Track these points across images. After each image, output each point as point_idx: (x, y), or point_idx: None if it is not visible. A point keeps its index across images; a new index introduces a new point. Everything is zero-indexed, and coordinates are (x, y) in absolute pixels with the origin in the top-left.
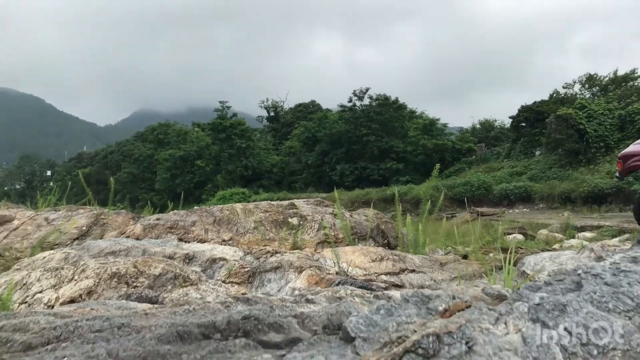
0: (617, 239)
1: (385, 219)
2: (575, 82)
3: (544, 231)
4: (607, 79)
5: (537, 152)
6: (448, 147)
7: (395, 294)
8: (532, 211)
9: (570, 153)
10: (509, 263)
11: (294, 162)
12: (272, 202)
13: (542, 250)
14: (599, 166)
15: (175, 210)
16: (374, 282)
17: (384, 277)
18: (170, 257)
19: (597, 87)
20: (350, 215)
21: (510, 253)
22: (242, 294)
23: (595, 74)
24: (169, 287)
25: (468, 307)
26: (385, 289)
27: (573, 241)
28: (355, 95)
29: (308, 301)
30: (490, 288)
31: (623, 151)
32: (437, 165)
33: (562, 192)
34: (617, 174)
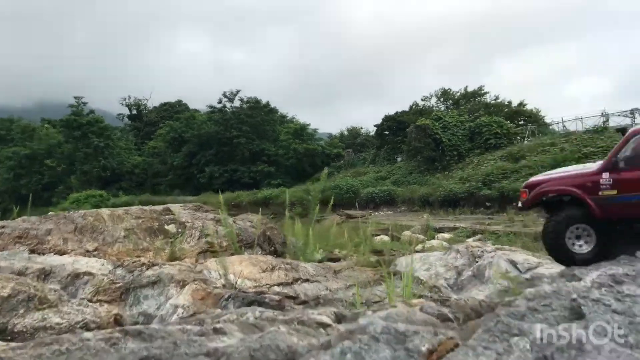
0: (471, 238)
1: (271, 225)
2: (432, 96)
3: (407, 232)
4: (458, 93)
5: (399, 159)
6: (318, 152)
7: (322, 317)
8: (395, 213)
9: (428, 160)
10: (410, 267)
11: (158, 163)
12: (145, 208)
13: (415, 252)
14: (453, 172)
15: (24, 217)
16: (266, 295)
17: (276, 289)
18: (21, 274)
19: (451, 101)
20: (234, 221)
21: (413, 251)
22: (116, 315)
23: (449, 88)
24: (22, 311)
25: (456, 345)
26: (279, 301)
27: (434, 241)
28: (225, 96)
29: (217, 331)
30: (430, 307)
31: (528, 180)
32: (326, 170)
33: (422, 196)
34: (520, 204)
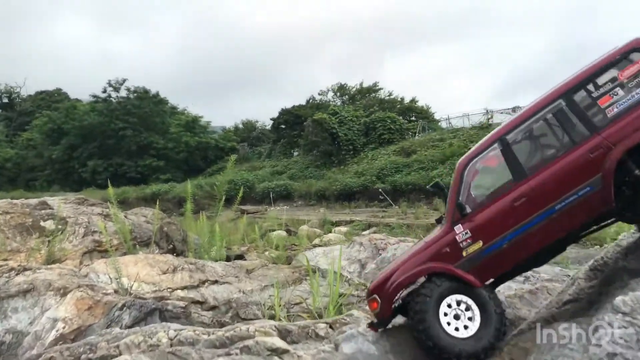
0: (367, 231)
1: (168, 220)
2: (329, 90)
3: (304, 227)
4: (354, 89)
5: (296, 153)
6: (211, 146)
7: (272, 341)
8: (292, 208)
9: (324, 154)
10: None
11: (34, 156)
12: (15, 201)
13: (315, 246)
14: (349, 167)
15: None
16: (169, 301)
17: (180, 293)
18: None
19: (347, 96)
20: (126, 216)
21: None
22: None
23: (345, 83)
24: None
25: None
26: (184, 308)
27: (331, 235)
28: (110, 86)
29: None
30: None
31: (371, 284)
32: (233, 157)
33: (318, 190)
34: (375, 322)
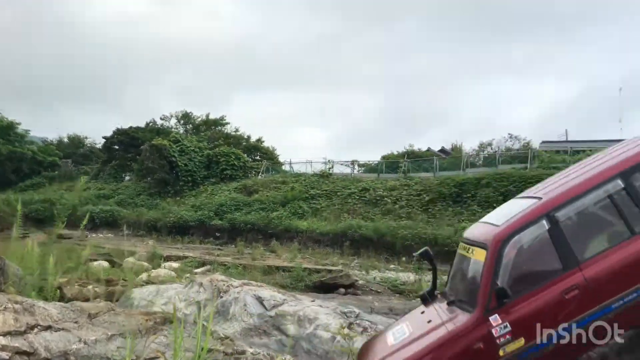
0: (200, 269)
1: None
2: (172, 116)
3: (130, 259)
4: (200, 119)
5: (127, 177)
6: (27, 157)
7: None
8: (117, 237)
9: (160, 182)
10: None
11: None
12: None
13: (147, 283)
14: (186, 199)
15: None
16: None
17: (1, 341)
18: None
19: (191, 125)
20: None
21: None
22: None
23: (190, 112)
24: None
25: None
26: None
27: (161, 271)
28: None
29: None
30: None
31: None
32: (83, 179)
33: (149, 220)
34: None
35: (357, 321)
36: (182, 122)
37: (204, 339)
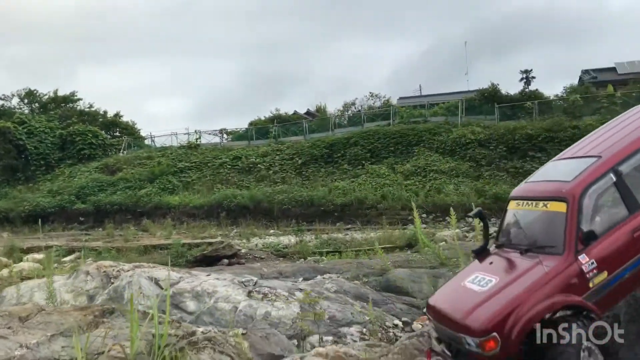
0: (69, 257)
1: None
2: (13, 95)
3: None
4: (47, 97)
5: None
6: None
7: None
8: None
9: (8, 169)
10: None
11: None
12: None
13: (23, 279)
14: (40, 185)
15: None
16: None
17: None
18: None
19: (38, 104)
20: None
21: None
22: None
23: (35, 90)
24: None
25: None
26: None
27: (24, 264)
28: None
29: None
30: None
31: (486, 317)
32: None
33: (0, 211)
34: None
35: (257, 288)
36: (26, 101)
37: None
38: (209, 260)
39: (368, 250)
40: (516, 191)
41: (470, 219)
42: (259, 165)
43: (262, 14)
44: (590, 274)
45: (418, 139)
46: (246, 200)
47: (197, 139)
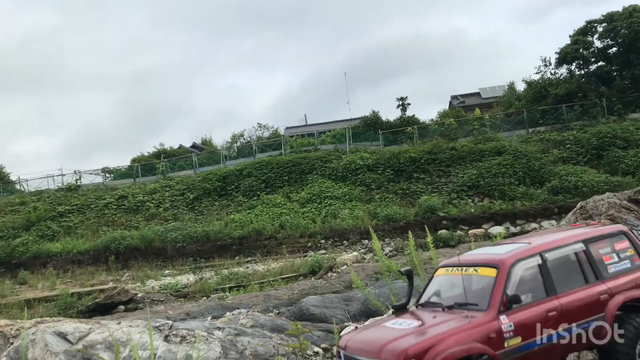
0: None
1: None
2: None
3: None
4: None
5: None
6: None
7: None
8: None
9: None
10: None
11: None
12: None
13: None
14: None
15: None
16: None
17: None
18: None
19: None
20: None
21: None
22: None
23: None
24: None
25: None
26: None
27: None
28: None
29: None
30: None
31: (408, 347)
32: None
33: None
34: None
35: (173, 332)
36: None
37: None
38: (103, 309)
39: (272, 281)
40: (446, 262)
41: (367, 241)
42: (147, 203)
43: (137, 45)
44: (507, 334)
45: (310, 167)
46: (136, 241)
47: (76, 180)
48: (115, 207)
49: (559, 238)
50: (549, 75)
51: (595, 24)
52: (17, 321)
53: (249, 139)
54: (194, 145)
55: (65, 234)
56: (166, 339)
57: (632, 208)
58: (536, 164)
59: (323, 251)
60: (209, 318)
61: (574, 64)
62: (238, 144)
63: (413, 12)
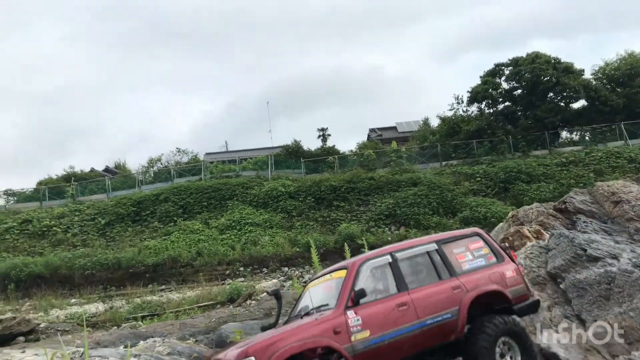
0: None
1: None
2: None
3: None
4: None
5: None
6: None
7: None
8: None
9: None
10: None
11: None
12: None
13: None
14: None
15: None
16: None
17: None
18: None
19: None
20: None
21: None
22: None
23: None
24: None
25: None
26: None
27: None
28: None
29: None
30: None
31: (248, 347)
32: None
33: None
34: None
35: None
36: None
37: None
38: (1, 340)
39: (189, 309)
40: (311, 278)
41: (286, 268)
42: (54, 228)
43: (44, 61)
44: (354, 328)
45: (231, 193)
46: (40, 268)
47: None
48: (18, 231)
49: (412, 240)
50: (461, 112)
51: (503, 67)
52: None
53: (166, 163)
54: (107, 169)
55: None
56: None
57: (558, 216)
58: (449, 195)
59: (242, 279)
60: (121, 347)
61: (484, 102)
62: (155, 168)
63: (332, 46)
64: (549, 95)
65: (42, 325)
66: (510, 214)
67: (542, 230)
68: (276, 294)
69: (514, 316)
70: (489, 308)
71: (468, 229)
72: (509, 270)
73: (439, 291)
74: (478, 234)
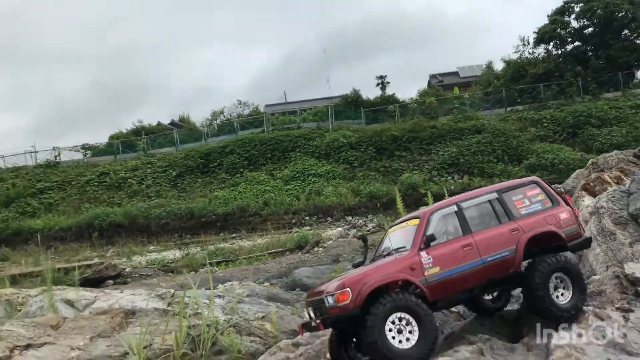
0: None
1: None
2: None
3: None
4: None
5: None
6: None
7: None
8: None
9: None
10: None
11: None
12: None
13: None
14: None
15: None
16: None
17: None
18: None
19: None
20: None
21: None
22: None
23: None
24: None
25: None
26: None
27: None
28: None
29: None
30: None
31: (345, 280)
32: None
33: None
34: (321, 319)
35: (176, 299)
36: None
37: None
38: (91, 284)
39: (260, 256)
40: (392, 224)
41: (350, 217)
42: (129, 180)
43: (112, 18)
44: (426, 265)
45: (294, 145)
46: (120, 217)
47: (55, 157)
48: (97, 183)
49: (476, 191)
50: (527, 54)
51: (573, 4)
52: (23, 289)
53: (229, 116)
54: (172, 123)
55: (46, 210)
56: (169, 306)
57: (638, 162)
58: (514, 142)
59: (308, 227)
60: (202, 289)
61: (552, 43)
62: (218, 121)
63: None
64: (623, 33)
65: (127, 270)
66: (590, 162)
67: (623, 177)
68: (363, 238)
69: (567, 253)
70: (547, 246)
71: (527, 178)
72: (563, 213)
73: (498, 233)
74: (535, 182)
